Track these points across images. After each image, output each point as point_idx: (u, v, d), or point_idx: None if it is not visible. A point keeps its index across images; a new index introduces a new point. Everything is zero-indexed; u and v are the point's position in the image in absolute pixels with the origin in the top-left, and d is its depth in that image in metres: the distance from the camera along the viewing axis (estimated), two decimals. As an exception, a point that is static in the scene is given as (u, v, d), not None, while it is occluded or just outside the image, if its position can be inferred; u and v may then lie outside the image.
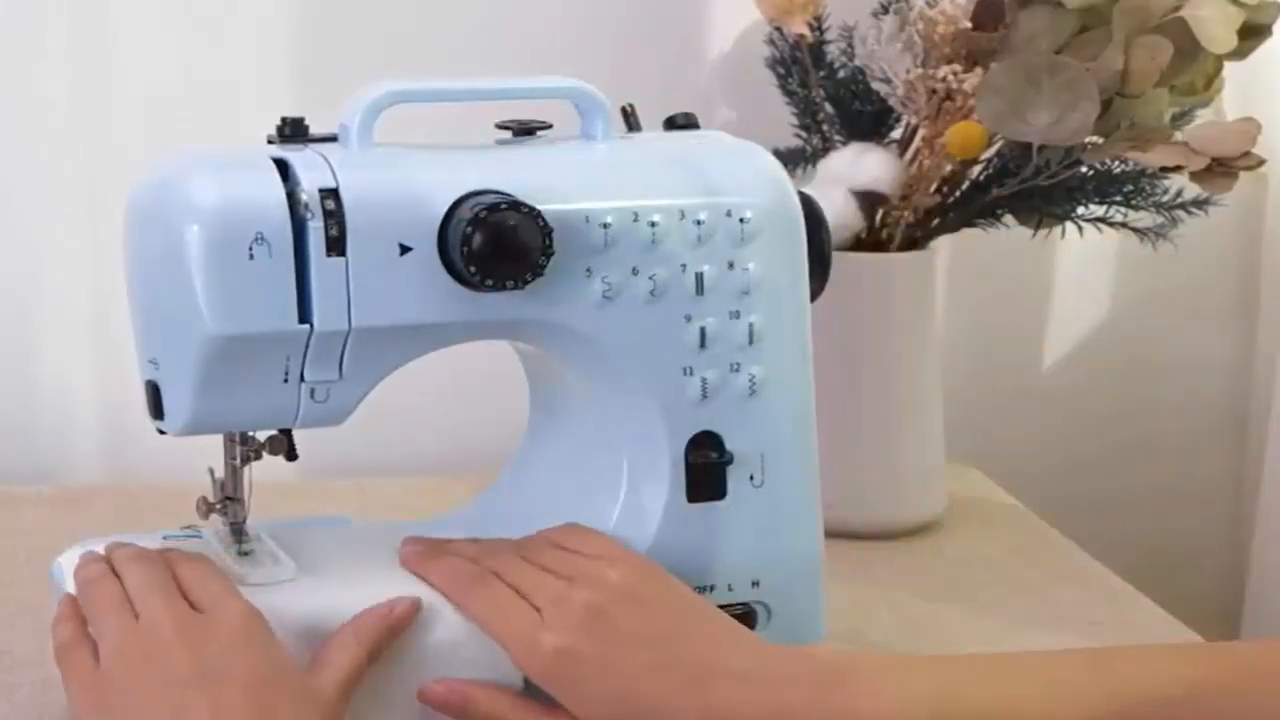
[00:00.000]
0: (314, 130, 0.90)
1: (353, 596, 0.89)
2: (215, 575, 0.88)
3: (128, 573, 0.87)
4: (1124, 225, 1.28)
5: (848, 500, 1.23)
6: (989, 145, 1.25)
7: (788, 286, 0.94)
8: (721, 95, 1.45)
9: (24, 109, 1.35)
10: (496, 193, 0.87)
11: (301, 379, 0.87)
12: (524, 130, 0.95)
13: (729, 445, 0.93)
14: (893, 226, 1.27)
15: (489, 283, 0.86)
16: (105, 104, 1.35)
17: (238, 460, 0.92)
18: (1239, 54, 1.21)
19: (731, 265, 0.92)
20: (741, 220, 0.92)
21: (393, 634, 0.88)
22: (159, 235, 0.86)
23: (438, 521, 1.00)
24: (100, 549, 0.91)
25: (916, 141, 1.26)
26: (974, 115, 1.20)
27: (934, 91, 1.22)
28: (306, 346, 0.86)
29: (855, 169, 1.24)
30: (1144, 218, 1.28)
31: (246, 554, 0.92)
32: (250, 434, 0.92)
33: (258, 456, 0.93)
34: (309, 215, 0.84)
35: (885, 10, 1.27)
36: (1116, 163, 1.24)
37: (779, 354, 0.93)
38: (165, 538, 0.94)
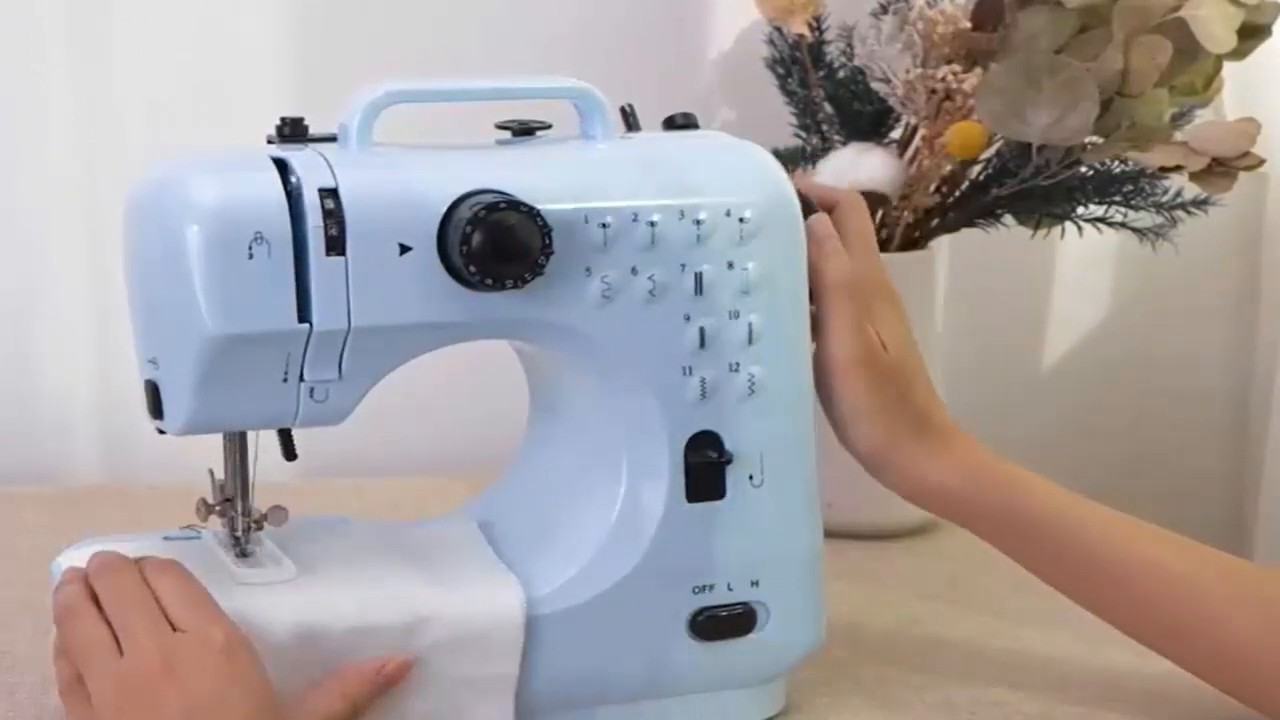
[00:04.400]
0: (314, 130, 0.90)
1: (352, 597, 0.89)
2: (193, 588, 0.87)
3: (105, 593, 0.86)
4: (1124, 225, 1.28)
5: (848, 500, 1.23)
6: (989, 145, 1.25)
7: (787, 286, 0.94)
8: (721, 95, 1.45)
9: (24, 110, 1.36)
10: (495, 192, 0.87)
11: (301, 378, 0.87)
12: (524, 130, 0.95)
13: (728, 445, 0.93)
14: (893, 226, 1.27)
15: (488, 282, 0.86)
16: (105, 104, 1.35)
17: (243, 543, 0.92)
18: (1239, 54, 1.21)
19: (731, 265, 0.92)
20: (741, 220, 0.92)
21: (380, 691, 0.88)
22: (158, 235, 0.86)
23: (438, 521, 1.00)
24: (97, 550, 0.91)
25: (916, 141, 1.26)
26: (974, 115, 1.21)
27: (934, 91, 1.22)
28: (306, 346, 0.86)
29: (855, 169, 1.24)
30: (1143, 218, 1.28)
31: (246, 554, 0.92)
32: (251, 505, 0.92)
33: (259, 527, 0.93)
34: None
35: (885, 10, 1.27)
36: (1116, 163, 1.24)
37: (778, 354, 0.93)
38: (166, 538, 0.94)
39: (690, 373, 0.92)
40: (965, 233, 1.31)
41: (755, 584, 0.94)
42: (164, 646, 0.83)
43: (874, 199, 1.24)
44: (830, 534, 0.99)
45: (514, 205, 0.86)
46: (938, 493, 0.97)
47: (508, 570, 0.92)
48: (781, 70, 1.35)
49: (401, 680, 0.88)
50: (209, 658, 0.83)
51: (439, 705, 0.90)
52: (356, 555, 0.93)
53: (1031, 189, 1.23)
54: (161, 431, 0.90)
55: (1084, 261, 1.54)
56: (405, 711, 0.89)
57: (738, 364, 0.93)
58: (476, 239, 0.85)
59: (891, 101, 1.25)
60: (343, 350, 0.87)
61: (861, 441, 0.96)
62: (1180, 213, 1.26)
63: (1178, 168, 1.17)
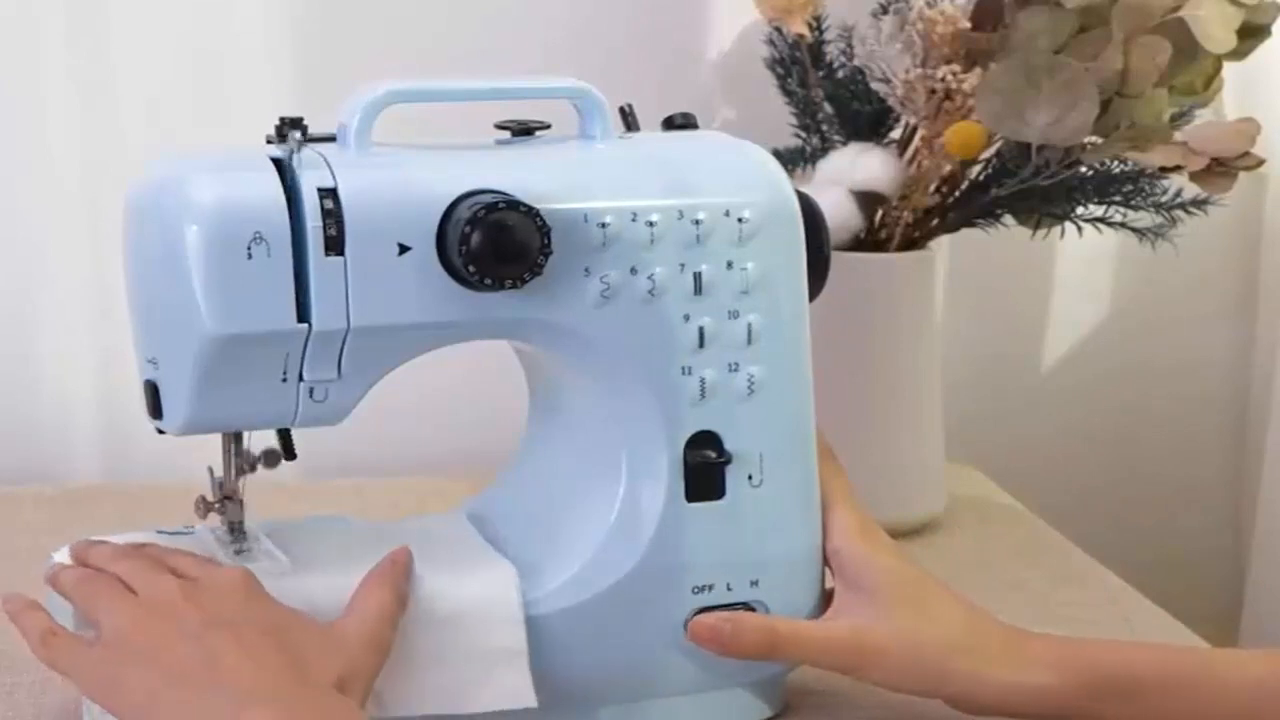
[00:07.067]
0: (314, 130, 0.90)
1: (349, 584, 0.89)
2: (201, 557, 0.89)
3: (116, 565, 0.87)
4: (1123, 225, 1.28)
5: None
6: (988, 145, 1.25)
7: (786, 286, 0.94)
8: (721, 95, 1.45)
9: (24, 109, 1.35)
10: (495, 192, 0.87)
11: (300, 378, 0.87)
12: (523, 130, 0.95)
13: (728, 445, 0.93)
14: (892, 226, 1.27)
15: (487, 282, 0.86)
16: (105, 104, 1.35)
17: (233, 472, 0.93)
18: (1238, 54, 1.21)
19: (730, 265, 0.92)
20: (740, 220, 0.92)
21: (407, 577, 0.88)
22: (158, 235, 0.86)
23: (429, 517, 1.00)
24: (98, 541, 0.91)
25: (916, 141, 1.26)
26: (973, 115, 1.21)
27: (933, 91, 1.22)
28: (305, 346, 0.86)
29: (854, 169, 1.24)
30: (1143, 218, 1.28)
31: (242, 553, 0.92)
32: (245, 446, 0.93)
33: (252, 469, 0.93)
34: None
35: (885, 10, 1.27)
36: (1116, 163, 1.24)
37: (778, 354, 0.94)
38: (160, 533, 0.95)
39: (689, 372, 0.92)
40: (965, 233, 1.31)
41: (755, 584, 0.94)
42: (182, 584, 0.85)
43: (873, 199, 1.24)
44: (829, 534, 0.99)
45: (513, 205, 0.86)
46: (1037, 695, 0.93)
47: (498, 554, 0.93)
48: (781, 70, 1.35)
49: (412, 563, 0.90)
50: (228, 588, 0.84)
51: (454, 679, 0.89)
52: (354, 555, 0.93)
53: (1031, 189, 1.23)
54: (161, 431, 0.90)
55: (1084, 262, 1.54)
56: (424, 685, 0.89)
57: (737, 364, 0.93)
58: (476, 239, 0.85)
59: (891, 101, 1.25)
60: (342, 350, 0.87)
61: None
62: (1180, 212, 1.26)
63: (1177, 168, 1.17)
